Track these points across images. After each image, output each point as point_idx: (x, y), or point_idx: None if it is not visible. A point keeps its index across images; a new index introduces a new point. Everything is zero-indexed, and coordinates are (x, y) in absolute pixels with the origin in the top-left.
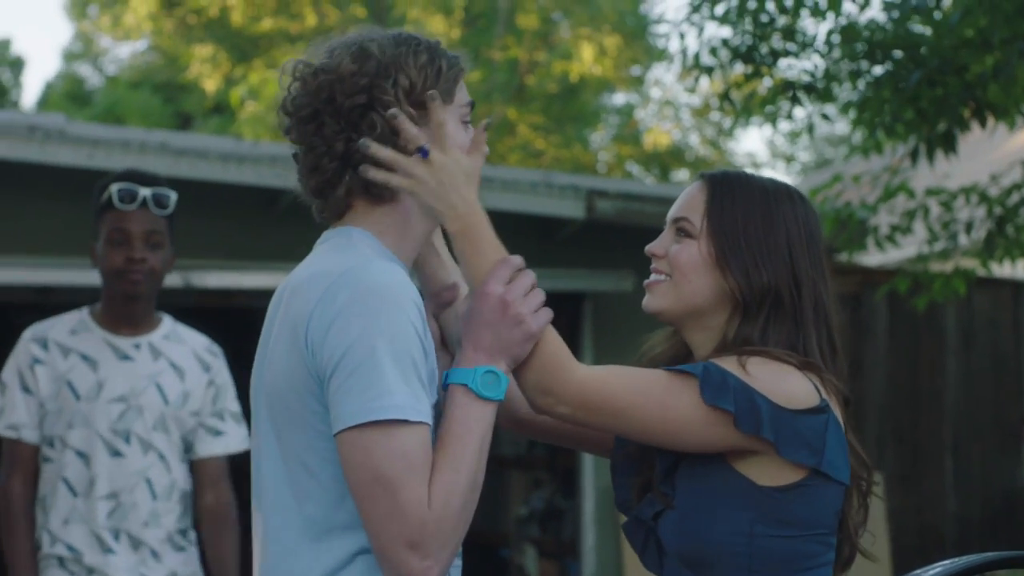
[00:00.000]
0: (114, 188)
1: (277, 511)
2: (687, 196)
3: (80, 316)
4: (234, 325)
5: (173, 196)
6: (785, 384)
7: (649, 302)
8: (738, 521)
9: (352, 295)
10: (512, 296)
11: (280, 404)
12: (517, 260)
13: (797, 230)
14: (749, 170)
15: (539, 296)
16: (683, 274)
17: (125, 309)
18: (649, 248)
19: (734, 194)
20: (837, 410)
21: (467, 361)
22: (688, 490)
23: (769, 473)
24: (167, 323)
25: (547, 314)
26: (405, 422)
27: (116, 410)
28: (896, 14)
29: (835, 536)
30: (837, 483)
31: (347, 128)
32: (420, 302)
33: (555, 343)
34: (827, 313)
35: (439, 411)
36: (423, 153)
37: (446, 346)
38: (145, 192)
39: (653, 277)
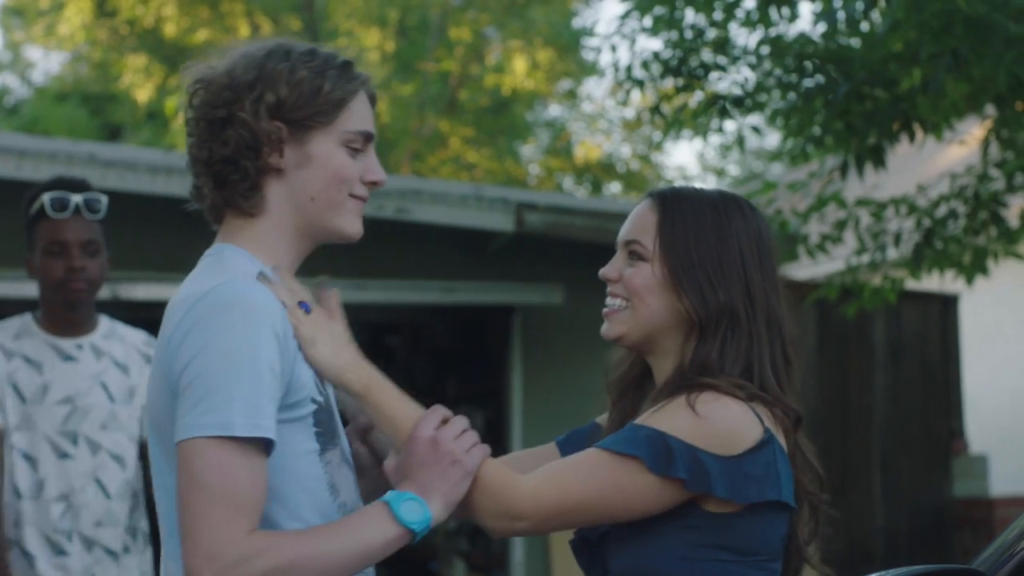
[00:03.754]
0: (46, 197)
1: (167, 518)
2: (637, 217)
3: (23, 320)
4: None
5: (104, 200)
6: (729, 424)
7: (608, 329)
8: (681, 545)
9: (203, 313)
10: (444, 437)
11: (162, 423)
12: (444, 409)
13: (749, 244)
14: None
15: (472, 437)
16: (640, 298)
17: (66, 316)
18: (603, 273)
19: (684, 213)
20: (780, 437)
21: (400, 488)
22: None
23: (717, 501)
24: (105, 323)
25: (483, 451)
26: (229, 438)
27: (62, 412)
28: (824, 26)
29: (778, 562)
30: (784, 509)
31: (208, 139)
32: (279, 317)
33: (496, 467)
34: (780, 325)
35: (328, 414)
36: (304, 307)
37: (380, 464)
38: (77, 199)
39: (609, 303)
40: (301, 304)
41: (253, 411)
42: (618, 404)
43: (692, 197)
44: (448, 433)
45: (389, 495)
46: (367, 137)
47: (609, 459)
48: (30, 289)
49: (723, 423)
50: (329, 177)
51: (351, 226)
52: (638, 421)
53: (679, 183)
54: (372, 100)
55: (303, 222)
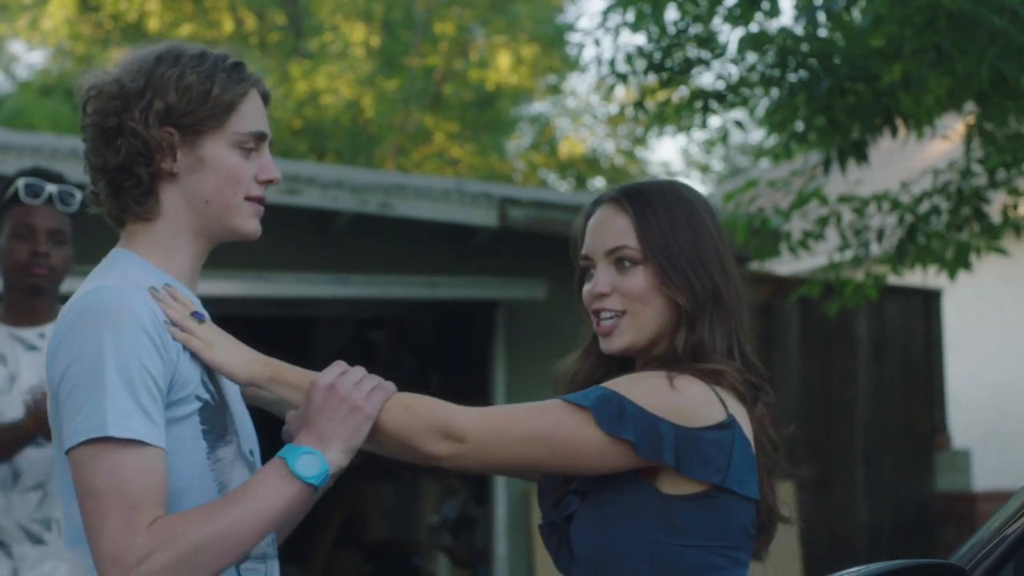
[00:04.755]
0: (20, 183)
1: (66, 513)
2: (609, 224)
3: None
4: None
5: (78, 195)
6: (694, 400)
7: (612, 343)
8: (642, 528)
9: (73, 320)
10: (342, 383)
11: (55, 425)
12: (344, 364)
13: (715, 225)
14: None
15: (371, 382)
16: (642, 302)
17: (27, 304)
18: (594, 291)
19: (655, 208)
20: (745, 425)
21: (297, 443)
22: (597, 495)
23: (674, 483)
24: None
25: (384, 392)
26: (110, 440)
27: None
28: (807, 20)
29: (745, 552)
30: (743, 498)
31: (102, 148)
32: (148, 317)
33: (432, 400)
34: (744, 296)
35: (217, 411)
36: (199, 316)
37: None
38: (51, 188)
39: (605, 321)
40: (195, 314)
41: (125, 414)
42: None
43: (651, 190)
44: (347, 380)
45: (285, 451)
46: (259, 137)
47: (561, 405)
48: None
49: (687, 397)
50: (222, 179)
51: (247, 225)
52: (600, 384)
53: (641, 179)
54: (265, 99)
55: (199, 224)
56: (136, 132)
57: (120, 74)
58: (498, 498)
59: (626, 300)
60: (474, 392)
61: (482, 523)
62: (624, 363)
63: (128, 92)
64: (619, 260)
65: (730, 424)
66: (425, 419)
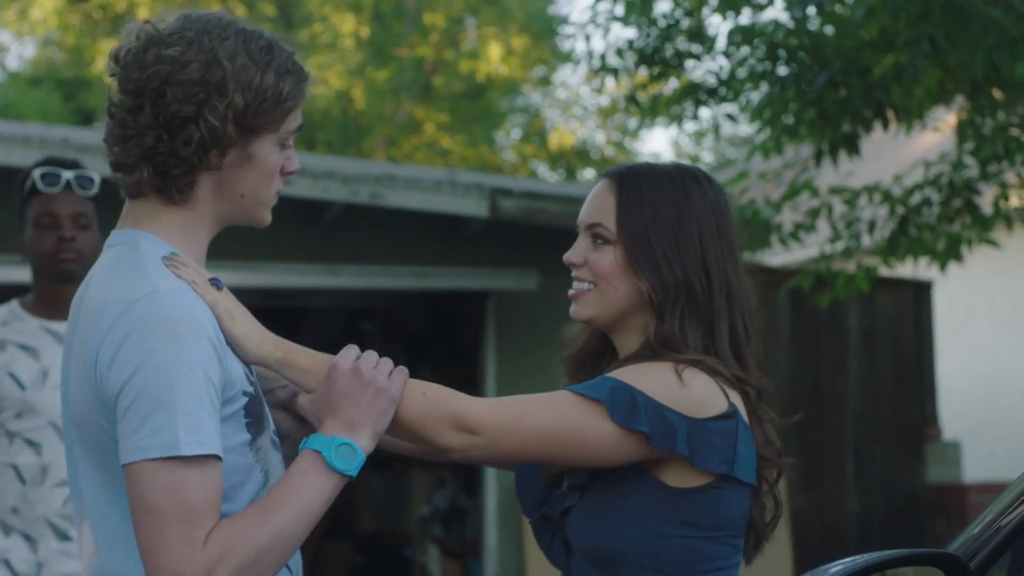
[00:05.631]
0: (37, 173)
1: (100, 523)
2: (597, 199)
3: (10, 308)
4: None
5: (97, 178)
6: (699, 390)
7: (577, 311)
8: (647, 521)
9: (134, 325)
10: (364, 365)
11: (87, 431)
12: (356, 347)
13: (707, 216)
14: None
15: (389, 363)
16: (608, 281)
17: (58, 294)
18: (567, 257)
19: (642, 192)
20: (743, 411)
21: (326, 431)
22: (598, 489)
23: (679, 475)
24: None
25: (402, 374)
26: (177, 458)
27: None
28: (798, 13)
29: (741, 538)
30: (745, 485)
31: (162, 127)
32: (210, 321)
33: (446, 389)
34: (740, 296)
35: (258, 402)
36: (217, 283)
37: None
38: (68, 175)
39: (576, 286)
40: (213, 280)
41: (197, 427)
42: (575, 377)
43: (649, 174)
44: (367, 362)
45: (318, 443)
46: (299, 131)
47: (572, 397)
48: (19, 275)
49: (693, 389)
50: (263, 175)
51: (268, 217)
52: (607, 374)
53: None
54: None
55: (226, 212)
56: (213, 128)
57: (195, 57)
58: (489, 489)
59: (595, 275)
60: (464, 382)
61: (472, 514)
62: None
63: (209, 83)
64: (595, 236)
65: (733, 414)
66: (442, 406)
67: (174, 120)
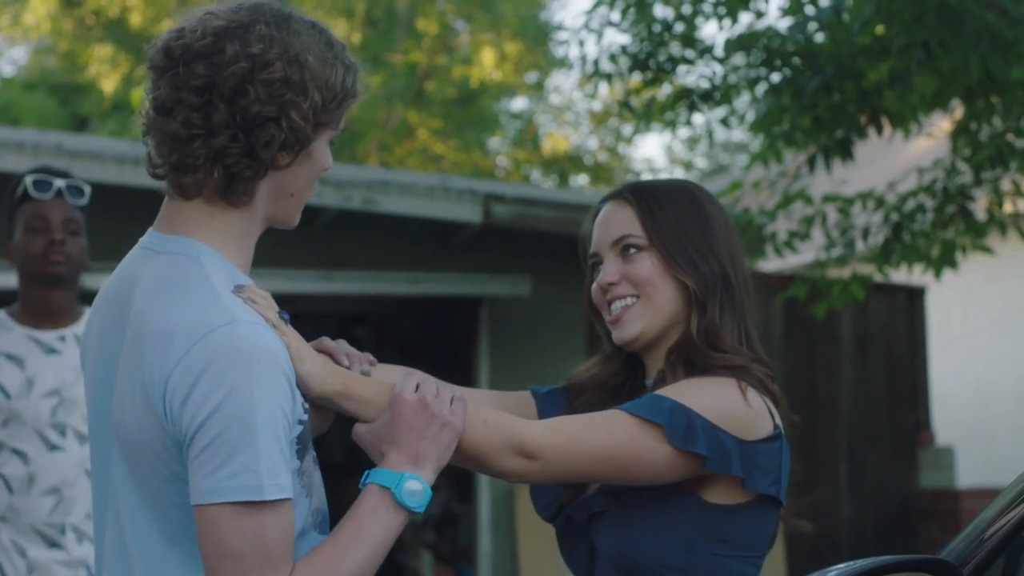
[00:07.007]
0: (29, 179)
1: (143, 556)
2: (613, 217)
3: None
4: None
5: (87, 188)
6: (752, 410)
7: (623, 331)
8: (682, 535)
9: (214, 358)
10: (428, 395)
11: (138, 455)
12: (417, 372)
13: (721, 216)
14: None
15: (448, 391)
16: (652, 285)
17: (47, 300)
18: (602, 281)
19: (659, 198)
20: (783, 427)
21: (391, 465)
22: (634, 498)
23: (721, 493)
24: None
25: (462, 405)
26: (260, 502)
27: (49, 405)
28: (798, 33)
29: (763, 558)
30: (777, 505)
31: (238, 127)
32: (286, 357)
33: (503, 414)
34: (752, 292)
35: (307, 428)
36: (285, 317)
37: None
38: (60, 183)
39: (617, 306)
40: (281, 314)
41: (276, 471)
42: (583, 401)
43: (656, 185)
44: (429, 391)
45: (384, 478)
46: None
47: (629, 419)
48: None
49: (745, 409)
50: (314, 174)
51: (299, 217)
52: (659, 392)
53: (644, 176)
54: None
55: (273, 214)
56: (298, 128)
57: (278, 55)
58: (482, 495)
59: (636, 285)
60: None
61: (465, 520)
62: (639, 369)
63: (292, 81)
64: (624, 248)
65: (779, 436)
66: (501, 434)
67: (255, 120)
